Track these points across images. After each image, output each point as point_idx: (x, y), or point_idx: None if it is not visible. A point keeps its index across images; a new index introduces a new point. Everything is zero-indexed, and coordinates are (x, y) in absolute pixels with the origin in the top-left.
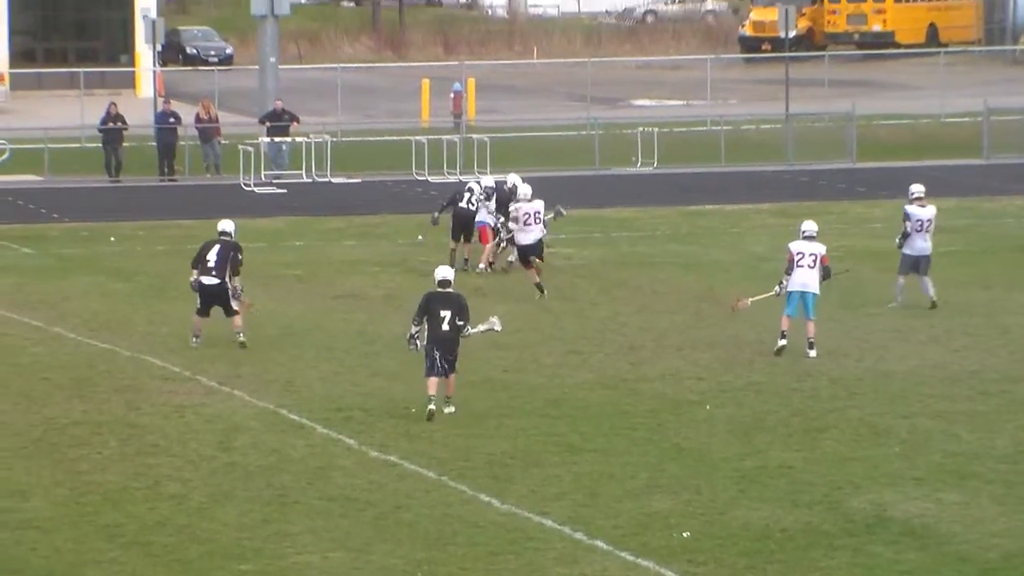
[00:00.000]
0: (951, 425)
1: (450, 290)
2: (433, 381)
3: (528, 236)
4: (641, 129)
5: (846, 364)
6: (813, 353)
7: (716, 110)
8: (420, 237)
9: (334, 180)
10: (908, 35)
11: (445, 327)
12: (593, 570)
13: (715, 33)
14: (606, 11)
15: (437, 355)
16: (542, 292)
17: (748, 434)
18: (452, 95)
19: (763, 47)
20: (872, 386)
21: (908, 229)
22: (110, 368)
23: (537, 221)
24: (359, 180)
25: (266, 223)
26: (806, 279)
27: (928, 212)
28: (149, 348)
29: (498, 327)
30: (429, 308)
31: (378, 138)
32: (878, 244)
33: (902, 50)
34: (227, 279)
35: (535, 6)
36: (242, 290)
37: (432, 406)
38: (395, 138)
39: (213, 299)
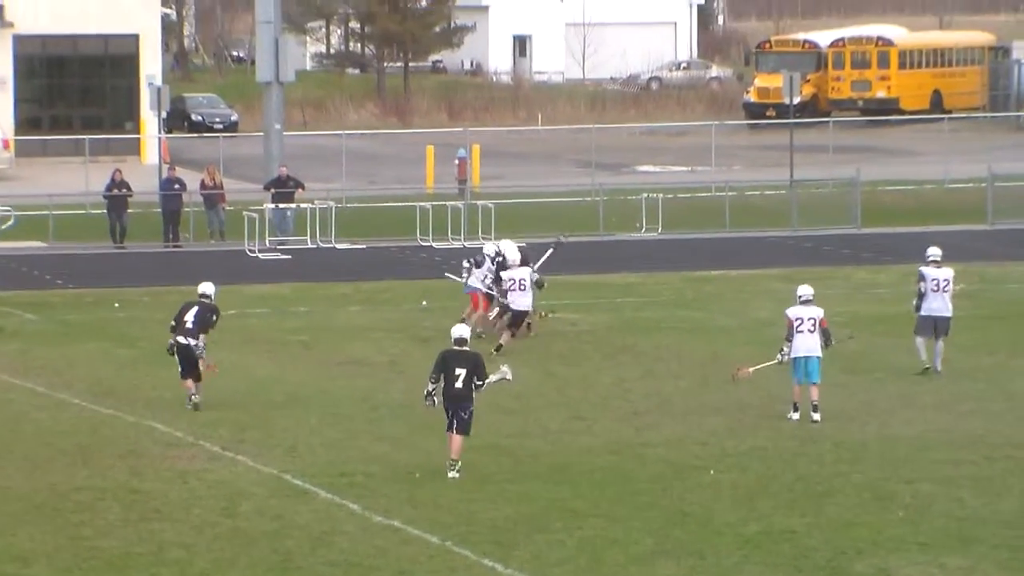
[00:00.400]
0: (956, 490)
1: (466, 348)
2: (458, 439)
3: (523, 301)
4: (646, 195)
5: (851, 429)
6: (817, 416)
7: (721, 176)
8: (424, 303)
9: (338, 246)
10: (912, 101)
11: (459, 385)
12: None
13: (719, 99)
14: (611, 78)
15: (449, 412)
16: (497, 351)
17: (752, 499)
18: (456, 161)
19: (767, 113)
20: (877, 451)
21: (923, 289)
22: (114, 434)
23: (523, 288)
24: (364, 246)
25: (270, 289)
26: (809, 344)
27: (945, 273)
28: (153, 414)
29: (509, 376)
30: (445, 366)
31: (383, 204)
32: (883, 309)
33: (906, 116)
34: (200, 340)
35: (540, 73)
36: (205, 348)
37: (453, 471)
38: (400, 204)
39: (190, 359)
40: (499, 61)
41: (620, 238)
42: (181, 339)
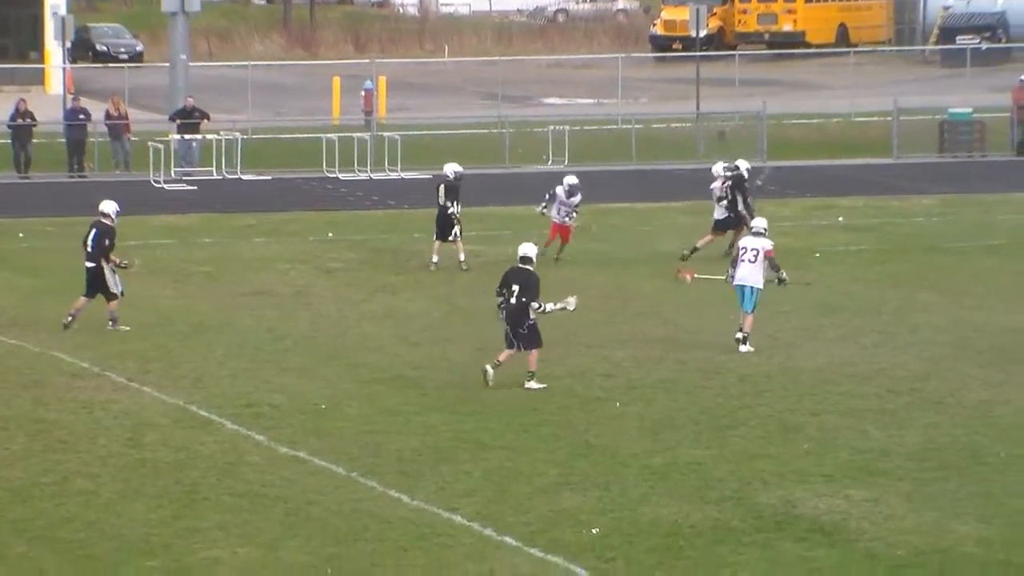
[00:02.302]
0: (860, 422)
1: (528, 267)
2: (507, 352)
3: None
4: (552, 127)
5: (755, 361)
6: (745, 348)
7: (627, 108)
8: (330, 235)
9: (244, 177)
10: (818, 35)
11: (513, 301)
12: (502, 566)
13: (626, 32)
14: (517, 10)
15: (508, 326)
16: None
17: (657, 431)
18: (363, 93)
19: (674, 46)
20: (781, 383)
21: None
22: (18, 364)
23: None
24: (270, 177)
25: (176, 220)
26: (744, 273)
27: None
28: (58, 344)
29: (572, 307)
30: (506, 281)
31: (289, 136)
32: (788, 242)
33: (812, 50)
34: (102, 263)
35: (446, 5)
36: (123, 263)
37: (490, 369)
38: (306, 136)
39: (94, 282)
40: None
41: (526, 170)
42: (86, 263)
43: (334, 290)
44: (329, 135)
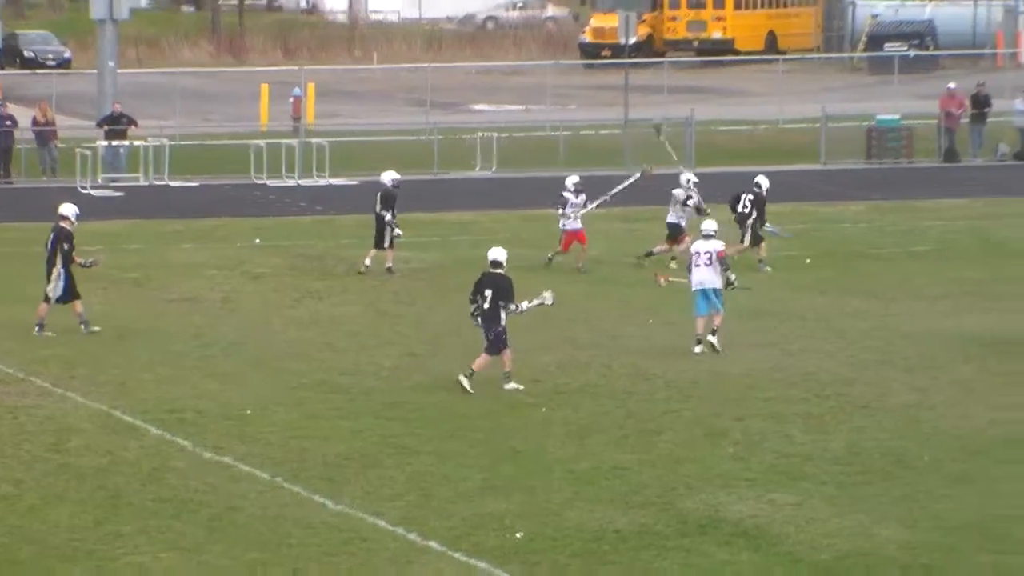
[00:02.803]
0: (785, 427)
1: (499, 271)
2: (484, 358)
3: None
4: (481, 134)
5: (682, 366)
6: (713, 339)
7: (556, 115)
8: (257, 240)
9: (172, 184)
10: (747, 42)
11: (486, 306)
12: (427, 571)
13: (555, 39)
14: (447, 17)
15: (482, 331)
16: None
17: (583, 436)
18: (292, 100)
19: (603, 53)
20: (707, 388)
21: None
22: None
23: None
24: (197, 184)
25: (103, 226)
26: (702, 277)
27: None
28: None
29: (549, 301)
30: (479, 287)
31: (217, 142)
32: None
33: (741, 57)
34: (68, 266)
35: (376, 12)
36: (87, 262)
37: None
38: (234, 142)
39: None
40: (335, 0)
41: (455, 176)
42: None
43: (261, 296)
44: (257, 142)
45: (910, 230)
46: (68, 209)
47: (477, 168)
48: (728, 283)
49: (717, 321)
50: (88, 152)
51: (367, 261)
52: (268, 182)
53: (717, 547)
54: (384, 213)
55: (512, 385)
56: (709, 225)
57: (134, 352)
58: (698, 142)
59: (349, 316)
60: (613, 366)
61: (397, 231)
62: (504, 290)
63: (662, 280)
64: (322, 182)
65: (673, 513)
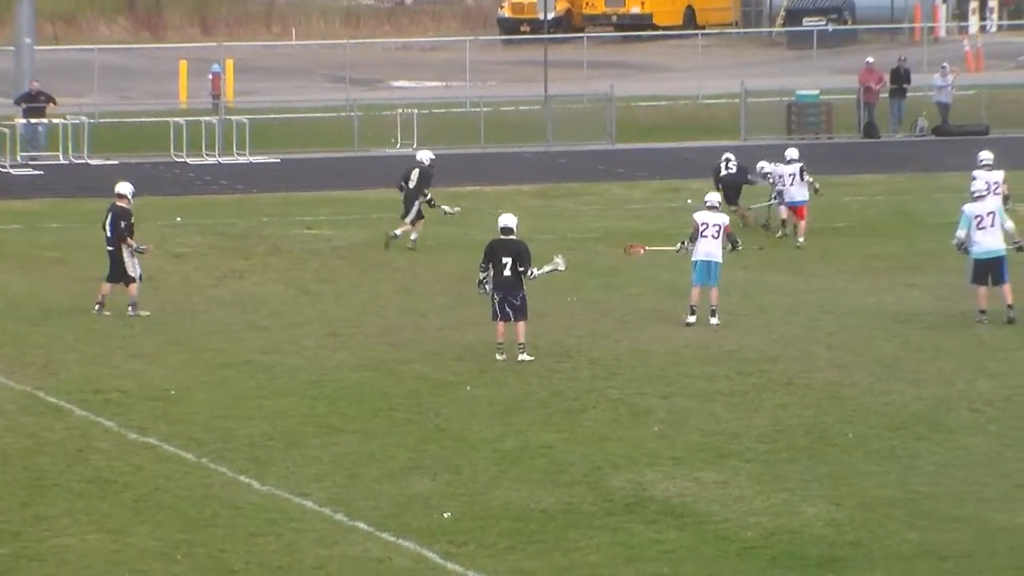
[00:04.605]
0: (710, 404)
1: (512, 237)
2: (500, 326)
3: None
4: (400, 111)
5: (606, 344)
6: (715, 320)
7: (475, 91)
8: (178, 219)
9: (92, 162)
10: (666, 17)
11: (507, 273)
12: (354, 551)
13: (474, 14)
14: None
15: (497, 299)
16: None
17: (508, 415)
18: (211, 77)
19: (522, 28)
20: (631, 366)
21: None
22: None
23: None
24: (117, 162)
25: (23, 205)
26: (710, 248)
27: (997, 175)
28: None
29: (562, 266)
30: (493, 255)
31: (136, 120)
32: (638, 224)
33: (660, 32)
34: (120, 246)
35: None
36: (139, 248)
37: (500, 355)
38: (153, 119)
39: (115, 265)
40: None
41: (375, 154)
42: (107, 247)
43: (183, 275)
44: (177, 119)
45: (830, 206)
46: (125, 187)
47: (398, 145)
48: (733, 247)
49: (715, 298)
50: (6, 130)
51: (398, 231)
52: (188, 160)
53: (643, 525)
54: (419, 192)
55: (527, 356)
56: (713, 197)
57: (57, 332)
58: (618, 118)
59: (271, 295)
60: (537, 344)
61: (445, 208)
62: (524, 256)
63: (640, 250)
64: (242, 160)
65: (599, 492)
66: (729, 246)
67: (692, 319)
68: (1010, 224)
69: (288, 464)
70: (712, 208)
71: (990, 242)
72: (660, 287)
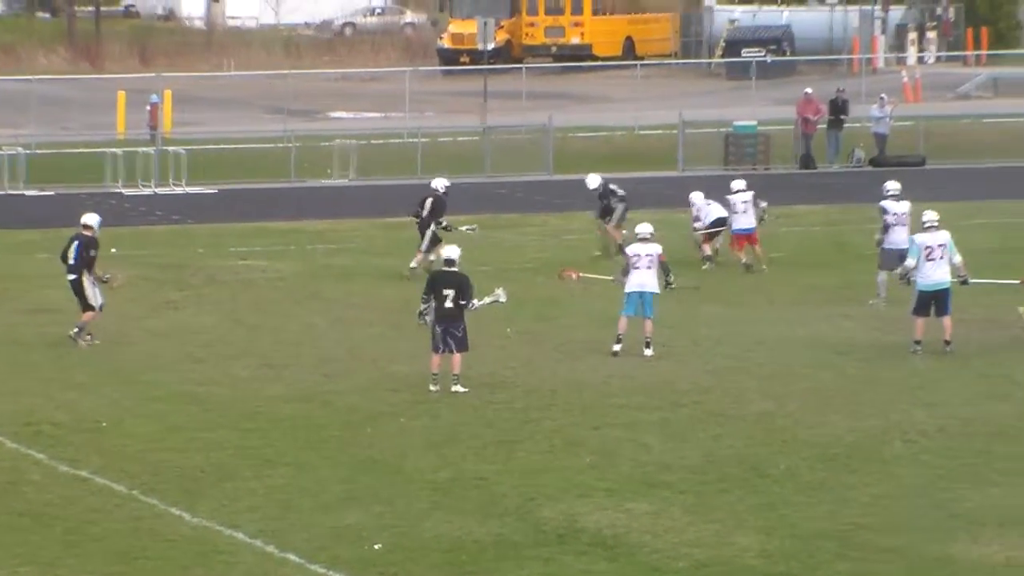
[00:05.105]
0: (642, 435)
1: (455, 269)
2: (436, 358)
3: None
4: (338, 141)
5: (540, 375)
6: (649, 352)
7: (414, 122)
8: (113, 250)
9: (27, 193)
10: (605, 48)
11: (448, 304)
12: None
13: (414, 45)
14: (305, 23)
15: (439, 331)
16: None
17: (442, 446)
18: (149, 107)
19: (461, 59)
20: (565, 397)
21: (889, 222)
22: None
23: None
24: (53, 193)
25: None
26: (644, 279)
27: (904, 206)
28: None
29: (503, 299)
30: (435, 286)
31: (73, 150)
32: (575, 255)
33: (599, 63)
34: (82, 275)
35: (233, 17)
36: (106, 276)
37: (434, 386)
38: (90, 150)
39: (76, 294)
40: (192, 6)
41: (312, 184)
42: (68, 276)
43: (117, 306)
44: (114, 150)
45: (765, 236)
46: (91, 218)
47: (334, 176)
48: (668, 284)
49: (649, 329)
50: None
51: (414, 263)
52: (124, 191)
53: (574, 557)
54: (432, 220)
55: (461, 387)
56: (645, 228)
57: None
58: (556, 149)
59: (206, 326)
60: (471, 376)
61: (463, 228)
62: (466, 287)
63: (574, 275)
64: (179, 191)
65: (531, 523)
66: (663, 280)
67: (618, 347)
68: (959, 258)
69: (220, 496)
70: (644, 240)
71: (938, 274)
72: (595, 318)
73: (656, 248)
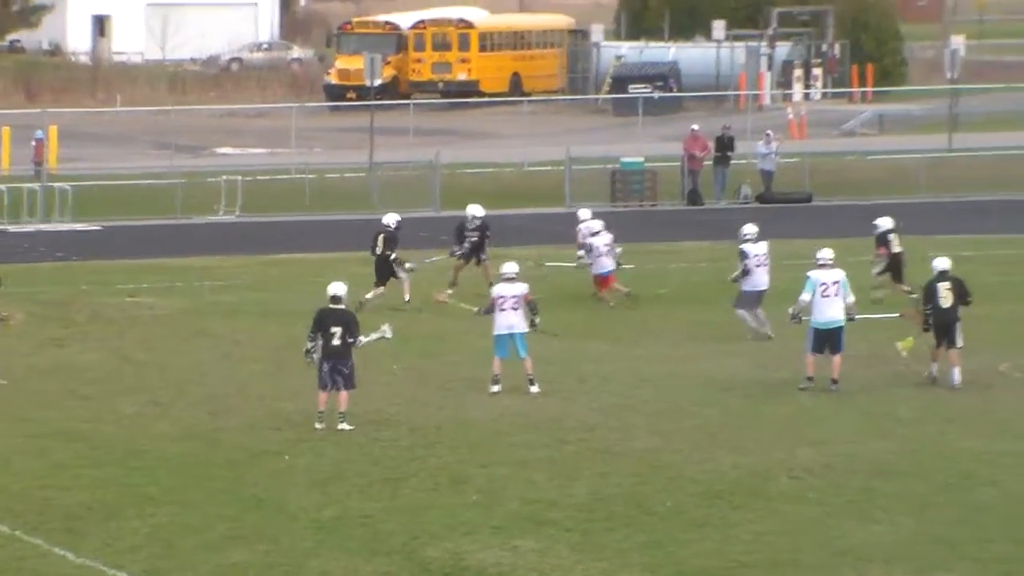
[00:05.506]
0: (529, 473)
1: (342, 307)
2: (323, 396)
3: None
4: (224, 177)
5: (426, 412)
6: (535, 389)
7: (301, 158)
8: None
9: None
10: (492, 84)
11: (336, 342)
12: None
13: (300, 81)
14: (191, 58)
15: (326, 368)
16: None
17: (327, 484)
18: (34, 143)
19: (348, 95)
20: (451, 435)
21: (749, 265)
22: None
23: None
24: None
25: None
26: (511, 321)
27: (762, 247)
28: None
29: (389, 335)
30: (323, 324)
31: None
32: (461, 291)
33: (486, 99)
34: None
35: (119, 53)
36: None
37: (319, 424)
38: None
39: None
40: (78, 41)
41: (198, 221)
42: None
43: (1, 343)
44: None
45: (652, 273)
46: None
47: (221, 212)
48: (533, 324)
49: (529, 367)
50: None
51: (369, 295)
52: (8, 227)
53: None
54: (388, 253)
55: (346, 425)
56: (511, 268)
57: None
58: (444, 184)
59: (91, 363)
60: (357, 413)
61: (409, 265)
62: (352, 325)
63: (443, 296)
64: (64, 227)
65: (417, 561)
66: (529, 319)
67: (496, 388)
68: (851, 298)
69: (105, 535)
70: (509, 280)
71: (832, 312)
72: (480, 354)
73: (521, 288)
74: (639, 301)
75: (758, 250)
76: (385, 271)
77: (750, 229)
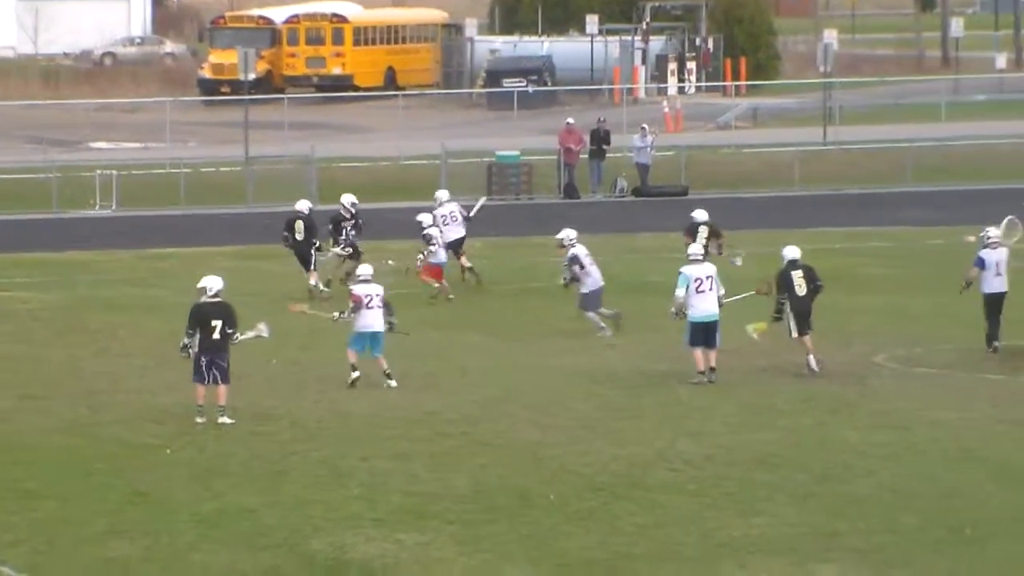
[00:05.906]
0: (410, 465)
1: (220, 300)
2: (200, 389)
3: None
4: (99, 172)
5: (306, 406)
6: (393, 383)
7: (175, 152)
8: None
9: None
10: (367, 78)
11: (216, 336)
12: None
13: (175, 75)
14: (64, 53)
15: (204, 361)
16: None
17: (208, 478)
18: None
19: (222, 89)
20: (332, 428)
21: (586, 264)
22: None
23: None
24: None
25: None
26: (371, 320)
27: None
28: None
29: (265, 333)
30: (203, 317)
31: None
32: (335, 285)
33: (361, 93)
34: None
35: None
36: None
37: (200, 418)
38: None
39: None
40: None
41: (74, 215)
42: None
43: None
44: None
45: (528, 266)
46: None
47: (96, 207)
48: (391, 326)
49: (384, 364)
50: None
51: (312, 281)
52: None
53: None
54: (314, 241)
55: (227, 419)
56: (365, 270)
57: None
58: (320, 179)
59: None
60: (237, 407)
61: (333, 251)
62: (231, 318)
63: (299, 309)
64: None
65: (300, 555)
66: (387, 321)
67: (356, 375)
68: (722, 291)
69: None
70: (364, 281)
71: (707, 306)
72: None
73: (377, 288)
74: (514, 294)
75: (586, 251)
76: (308, 256)
77: (571, 233)
